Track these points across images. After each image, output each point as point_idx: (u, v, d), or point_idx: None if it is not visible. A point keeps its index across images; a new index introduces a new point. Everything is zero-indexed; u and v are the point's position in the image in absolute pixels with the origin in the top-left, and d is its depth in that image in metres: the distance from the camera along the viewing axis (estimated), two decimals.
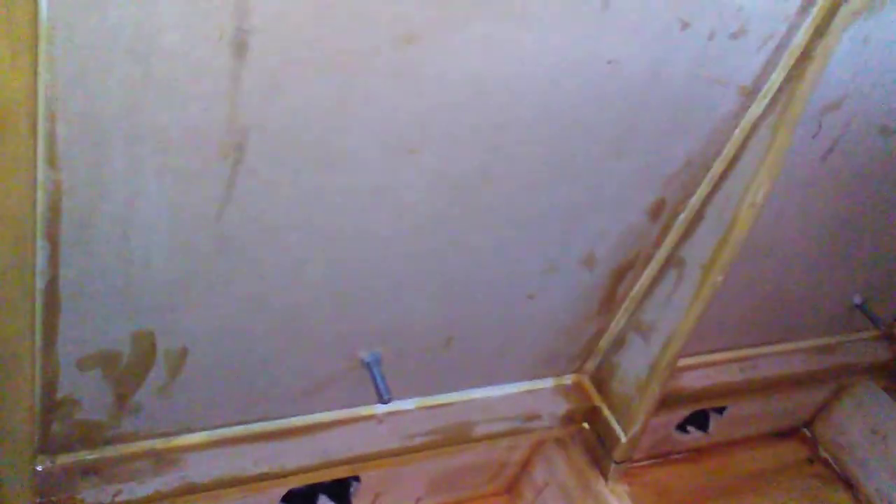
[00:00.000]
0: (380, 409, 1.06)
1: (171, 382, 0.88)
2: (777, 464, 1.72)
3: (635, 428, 1.16)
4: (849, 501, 1.70)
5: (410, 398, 1.09)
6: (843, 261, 1.35)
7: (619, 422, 1.19)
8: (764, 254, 1.20)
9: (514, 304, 1.03)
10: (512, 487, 1.38)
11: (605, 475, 1.21)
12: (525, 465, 1.35)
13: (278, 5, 0.60)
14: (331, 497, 1.18)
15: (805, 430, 1.81)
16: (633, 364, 1.16)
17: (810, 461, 1.76)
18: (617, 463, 1.19)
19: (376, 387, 0.96)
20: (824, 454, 1.78)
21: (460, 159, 0.81)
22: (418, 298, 0.95)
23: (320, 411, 1.03)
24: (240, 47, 0.62)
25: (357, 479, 1.17)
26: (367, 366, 0.98)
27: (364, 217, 0.82)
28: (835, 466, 1.76)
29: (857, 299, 1.47)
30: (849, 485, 1.72)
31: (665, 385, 1.14)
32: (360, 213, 0.81)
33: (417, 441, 1.09)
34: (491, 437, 1.15)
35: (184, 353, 0.85)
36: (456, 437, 1.12)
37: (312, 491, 1.16)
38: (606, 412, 1.20)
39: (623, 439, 1.17)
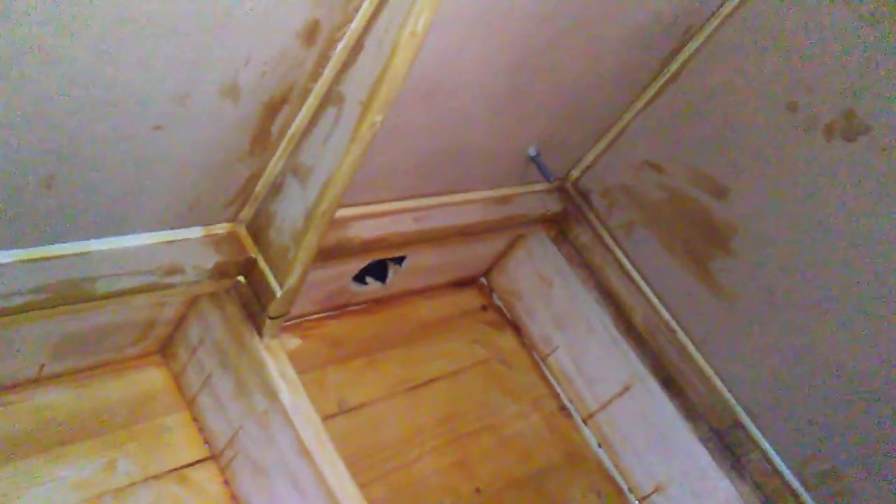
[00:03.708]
0: None
1: None
2: (453, 312, 1.76)
3: (291, 281, 1.06)
4: (515, 345, 1.81)
5: (5, 251, 0.88)
6: (520, 111, 1.32)
7: (275, 275, 1.08)
8: (440, 97, 1.13)
9: (136, 135, 0.85)
10: (165, 347, 1.24)
11: (259, 331, 1.11)
12: (179, 324, 1.21)
13: None
14: None
15: (483, 279, 1.87)
16: (290, 212, 1.04)
17: (484, 308, 1.82)
18: (272, 318, 1.09)
19: None
20: (497, 302, 1.86)
21: None
22: None
23: None
24: None
25: None
26: None
27: None
28: (506, 313, 1.85)
29: (533, 151, 1.47)
30: (517, 329, 1.83)
31: (324, 235, 1.04)
32: None
33: (18, 301, 0.89)
34: (120, 295, 0.98)
35: None
36: (72, 295, 0.93)
37: None
38: (263, 264, 1.09)
39: (278, 293, 1.07)
